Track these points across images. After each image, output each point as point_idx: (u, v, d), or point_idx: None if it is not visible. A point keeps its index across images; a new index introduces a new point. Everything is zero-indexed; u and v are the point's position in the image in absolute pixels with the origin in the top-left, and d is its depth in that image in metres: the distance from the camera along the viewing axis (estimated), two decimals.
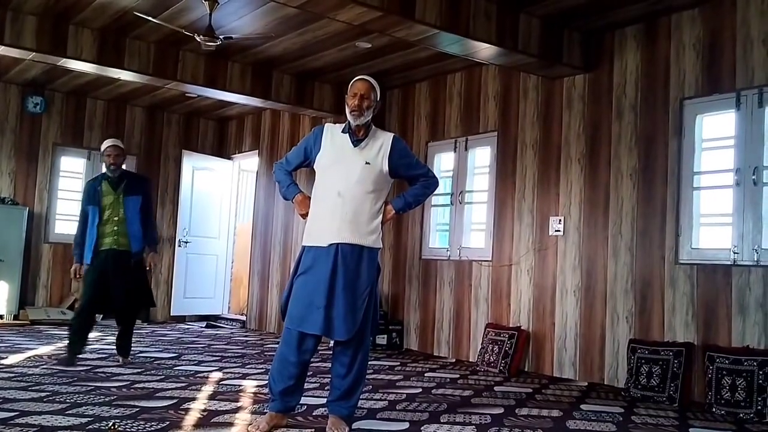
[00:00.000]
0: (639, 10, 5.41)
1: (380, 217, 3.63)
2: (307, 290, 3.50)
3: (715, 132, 5.25)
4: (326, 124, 3.77)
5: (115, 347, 5.77)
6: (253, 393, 4.63)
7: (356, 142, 3.61)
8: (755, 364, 4.51)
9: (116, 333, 5.75)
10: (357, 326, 3.48)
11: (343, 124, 3.68)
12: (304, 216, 3.69)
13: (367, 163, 3.57)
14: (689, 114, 5.29)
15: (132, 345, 5.85)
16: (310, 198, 3.71)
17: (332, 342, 3.67)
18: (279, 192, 3.90)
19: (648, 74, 5.58)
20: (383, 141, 3.65)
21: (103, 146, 5.61)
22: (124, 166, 5.71)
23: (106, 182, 5.55)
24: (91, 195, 5.53)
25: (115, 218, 5.48)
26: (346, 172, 3.56)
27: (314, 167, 3.71)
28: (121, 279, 5.40)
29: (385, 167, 3.61)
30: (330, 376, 3.69)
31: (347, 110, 3.60)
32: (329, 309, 3.45)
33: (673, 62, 5.41)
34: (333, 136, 3.67)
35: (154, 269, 4.98)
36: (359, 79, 3.68)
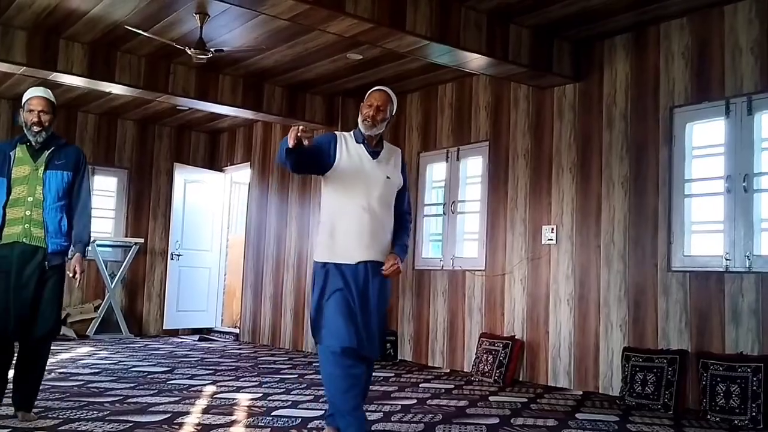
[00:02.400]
0: (628, 19, 5.45)
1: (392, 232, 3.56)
2: (348, 308, 3.35)
3: (705, 140, 5.28)
4: (336, 132, 3.60)
5: (11, 394, 3.96)
6: (248, 406, 4.60)
7: (374, 154, 3.50)
8: (749, 370, 4.52)
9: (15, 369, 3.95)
10: (380, 345, 3.54)
11: (353, 133, 3.56)
12: (296, 132, 3.11)
13: (387, 177, 3.48)
14: (679, 122, 5.33)
15: (38, 390, 4.05)
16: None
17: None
18: (278, 156, 3.38)
19: (638, 83, 5.61)
20: (394, 155, 3.61)
21: (25, 97, 3.99)
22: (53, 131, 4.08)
23: (24, 147, 3.96)
24: None
25: (29, 199, 3.87)
26: (368, 187, 3.44)
27: (327, 175, 3.49)
28: (25, 289, 3.80)
29: (401, 181, 3.57)
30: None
31: (360, 118, 3.49)
32: (365, 327, 3.38)
33: (663, 71, 5.45)
34: (348, 145, 3.51)
35: (77, 280, 4.03)
36: (378, 89, 3.55)
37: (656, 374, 4.99)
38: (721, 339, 4.87)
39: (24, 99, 3.99)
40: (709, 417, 4.60)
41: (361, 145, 3.50)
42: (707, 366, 4.72)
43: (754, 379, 4.47)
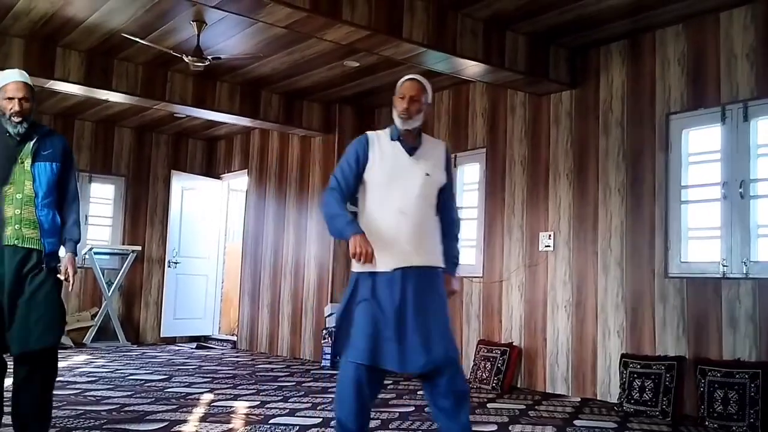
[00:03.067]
0: (624, 26, 5.47)
1: (439, 234, 3.21)
2: (373, 321, 3.02)
3: (701, 146, 5.29)
4: (368, 133, 3.31)
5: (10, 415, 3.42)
6: (245, 414, 4.59)
7: (411, 151, 3.19)
8: (747, 376, 4.51)
9: (13, 389, 3.41)
10: (439, 356, 3.00)
11: (388, 130, 3.26)
12: (362, 257, 2.94)
13: (427, 174, 3.15)
14: (675, 128, 5.34)
15: (51, 408, 3.57)
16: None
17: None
18: (328, 227, 3.17)
19: (634, 90, 5.63)
20: (436, 148, 3.28)
21: (1, 81, 3.45)
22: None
23: (5, 138, 3.46)
24: None
25: (18, 196, 3.40)
26: (405, 187, 3.12)
27: (363, 181, 3.22)
28: (21, 297, 3.32)
29: (444, 178, 3.22)
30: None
31: (394, 113, 3.21)
32: (401, 342, 2.99)
33: (659, 78, 5.46)
34: (381, 145, 3.21)
35: (72, 284, 3.52)
36: (409, 78, 3.26)
37: (654, 381, 4.99)
38: (719, 345, 4.87)
39: None
40: (707, 423, 4.60)
41: (397, 142, 3.20)
42: (705, 372, 4.72)
43: (752, 385, 4.47)
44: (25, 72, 3.54)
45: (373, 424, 4.32)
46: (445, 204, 3.25)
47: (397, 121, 3.19)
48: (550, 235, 6.08)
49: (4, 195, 3.37)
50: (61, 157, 3.54)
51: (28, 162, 3.44)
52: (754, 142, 4.91)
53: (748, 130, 4.91)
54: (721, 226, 4.98)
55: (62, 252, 3.52)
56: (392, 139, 3.21)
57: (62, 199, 3.56)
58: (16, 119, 3.38)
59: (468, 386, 3.10)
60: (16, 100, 3.37)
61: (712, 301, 4.95)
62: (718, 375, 4.64)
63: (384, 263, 3.03)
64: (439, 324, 3.05)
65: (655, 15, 5.23)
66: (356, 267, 3.09)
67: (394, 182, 3.13)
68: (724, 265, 4.91)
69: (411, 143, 3.20)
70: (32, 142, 3.46)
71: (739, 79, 4.97)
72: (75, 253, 3.54)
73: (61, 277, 3.44)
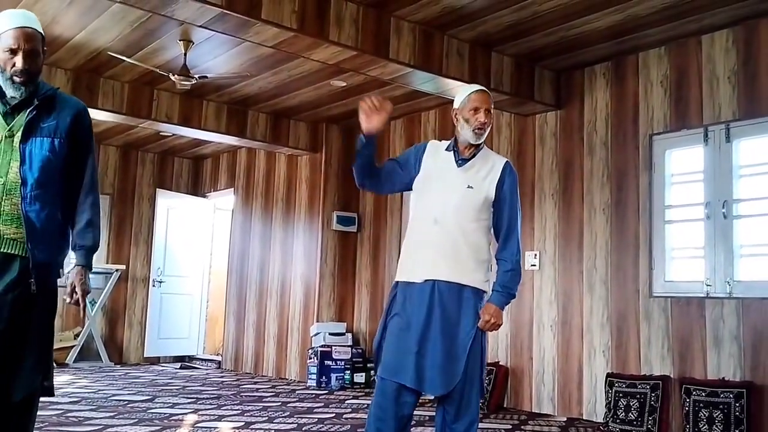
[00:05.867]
0: (607, 49, 5.54)
1: (486, 254, 3.02)
2: (401, 334, 2.90)
3: (684, 167, 5.35)
4: (431, 141, 3.20)
5: None
6: None
7: (461, 162, 3.02)
8: (731, 396, 4.53)
9: None
10: (456, 380, 2.83)
11: (448, 142, 3.12)
12: (368, 102, 2.91)
13: (469, 187, 2.96)
14: (659, 149, 5.40)
15: None
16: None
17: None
18: (354, 166, 3.05)
19: (617, 111, 5.69)
20: (494, 164, 3.05)
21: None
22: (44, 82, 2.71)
23: None
24: None
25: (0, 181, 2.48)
26: (444, 196, 2.97)
27: (412, 188, 3.11)
28: (4, 322, 2.40)
29: (492, 194, 2.99)
30: None
31: (465, 127, 3.01)
32: (422, 357, 2.83)
33: (642, 99, 5.53)
34: (437, 154, 3.09)
35: (82, 307, 2.59)
36: (479, 90, 3.09)
37: (639, 400, 5.00)
38: (703, 364, 4.89)
39: None
40: None
41: (451, 152, 3.06)
42: (690, 391, 4.73)
43: (737, 404, 4.48)
44: (32, 14, 2.57)
45: None
46: (498, 221, 3.03)
47: (470, 136, 3.00)
48: (536, 255, 6.11)
49: None
50: (68, 131, 2.58)
51: (18, 137, 2.50)
52: (736, 163, 4.97)
53: (730, 150, 4.98)
54: (704, 245, 5.02)
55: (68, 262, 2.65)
56: (447, 150, 3.08)
57: (72, 191, 2.61)
58: (19, 79, 2.48)
59: (476, 417, 2.92)
60: (21, 53, 2.46)
61: (696, 321, 4.98)
62: (703, 394, 4.66)
63: (415, 273, 2.93)
64: (461, 348, 2.85)
65: (638, 38, 5.30)
66: (398, 276, 3.00)
67: (435, 191, 3.01)
68: (707, 285, 4.94)
69: (464, 155, 3.04)
70: (29, 109, 2.53)
71: (722, 101, 5.04)
72: (88, 266, 2.61)
73: (67, 299, 2.56)
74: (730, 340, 4.77)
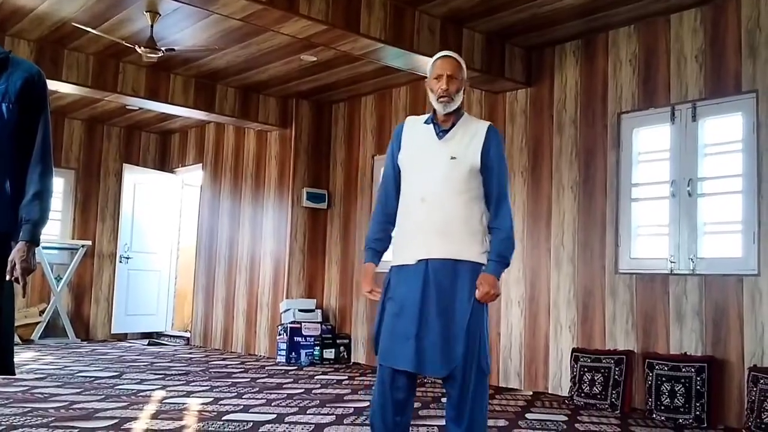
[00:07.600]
0: (577, 26, 5.56)
1: (480, 224, 2.88)
2: (396, 318, 2.83)
3: (651, 145, 5.41)
4: (408, 118, 3.12)
5: None
6: (198, 411, 4.54)
7: (441, 134, 2.90)
8: (693, 370, 4.64)
9: None
10: (456, 359, 2.74)
11: (427, 115, 2.99)
12: (370, 293, 2.95)
13: (452, 158, 2.84)
14: (626, 127, 5.45)
15: None
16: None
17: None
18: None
19: (587, 89, 5.72)
20: (477, 130, 2.91)
21: None
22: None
23: None
24: None
25: None
26: (428, 172, 2.87)
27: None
28: None
29: (477, 162, 2.85)
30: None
31: (432, 97, 2.90)
32: (421, 339, 2.75)
33: (611, 77, 5.57)
34: (415, 129, 2.99)
35: (25, 286, 2.42)
36: (443, 56, 2.97)
37: (604, 374, 5.09)
38: (666, 339, 5.00)
39: None
40: (654, 416, 4.71)
41: (430, 125, 2.94)
42: (653, 366, 4.83)
43: (698, 378, 4.60)
44: None
45: (327, 419, 4.32)
46: (487, 188, 2.90)
47: (437, 106, 2.89)
48: None
49: None
50: (18, 95, 2.48)
51: None
52: (702, 142, 5.04)
53: (696, 129, 5.04)
54: (669, 223, 5.11)
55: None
56: (426, 123, 2.96)
57: (24, 159, 2.49)
58: None
59: (481, 397, 2.83)
60: None
61: (660, 297, 5.07)
62: (666, 368, 4.76)
63: (408, 255, 2.86)
64: (458, 326, 2.76)
65: (608, 16, 5.32)
66: (392, 260, 2.96)
67: (417, 168, 2.91)
68: (671, 262, 5.03)
69: (444, 126, 2.91)
70: None
71: (689, 80, 5.10)
72: (33, 242, 2.47)
73: (8, 276, 2.41)
74: (693, 316, 4.88)
